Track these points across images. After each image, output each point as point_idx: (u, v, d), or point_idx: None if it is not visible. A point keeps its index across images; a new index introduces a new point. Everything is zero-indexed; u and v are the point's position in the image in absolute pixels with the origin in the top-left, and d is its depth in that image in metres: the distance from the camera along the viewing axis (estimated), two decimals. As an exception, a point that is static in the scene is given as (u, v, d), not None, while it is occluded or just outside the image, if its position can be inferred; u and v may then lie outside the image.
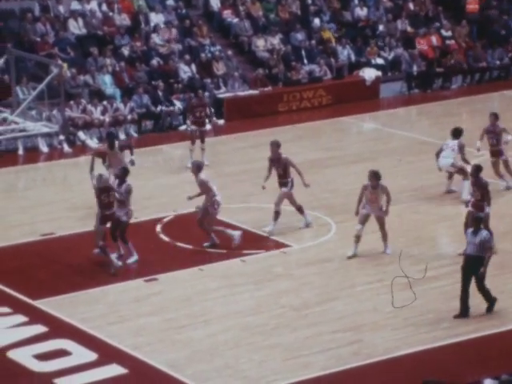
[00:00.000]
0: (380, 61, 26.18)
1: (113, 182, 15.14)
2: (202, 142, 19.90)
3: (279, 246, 15.76)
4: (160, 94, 23.28)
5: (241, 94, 24.23)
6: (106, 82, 23.38)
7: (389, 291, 13.88)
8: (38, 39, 23.59)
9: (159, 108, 23.03)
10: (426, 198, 17.74)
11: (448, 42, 26.95)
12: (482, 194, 14.76)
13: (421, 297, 13.67)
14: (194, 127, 19.92)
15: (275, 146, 16.45)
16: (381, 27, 27.13)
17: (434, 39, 26.87)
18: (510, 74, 26.53)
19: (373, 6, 27.63)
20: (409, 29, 27.27)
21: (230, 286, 14.32)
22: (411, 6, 28.00)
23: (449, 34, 27.26)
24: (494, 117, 17.88)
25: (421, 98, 25.18)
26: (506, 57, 26.54)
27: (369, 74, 25.53)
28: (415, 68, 25.87)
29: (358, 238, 15.13)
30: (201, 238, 16.01)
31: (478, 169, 14.88)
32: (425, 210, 17.11)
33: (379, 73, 25.65)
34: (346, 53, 26.08)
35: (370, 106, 24.47)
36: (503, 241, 15.54)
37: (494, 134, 17.79)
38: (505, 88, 25.35)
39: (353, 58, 26.11)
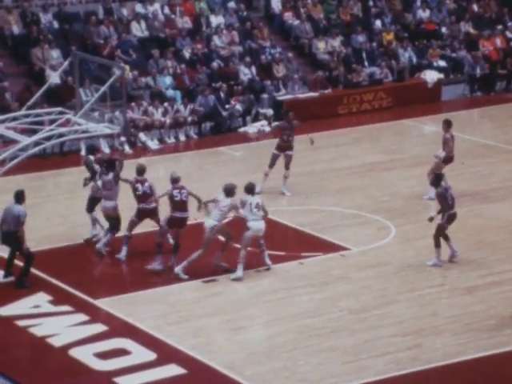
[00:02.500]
0: (442, 63, 25.91)
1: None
2: (287, 168, 18.10)
3: (338, 248, 15.69)
4: (222, 95, 23.37)
5: (301, 96, 24.19)
6: (167, 84, 23.56)
7: (450, 296, 13.73)
8: (101, 41, 23.90)
9: (224, 110, 23.05)
10: (488, 201, 17.49)
11: (512, 43, 26.59)
12: None
13: (482, 302, 13.50)
14: (276, 152, 18.20)
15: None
16: (443, 29, 26.85)
17: (499, 41, 26.50)
18: None
19: (435, 8, 27.35)
20: (472, 31, 26.93)
21: (288, 288, 14.30)
22: (475, 7, 27.65)
23: (514, 35, 26.88)
24: None
25: (483, 101, 24.85)
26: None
27: (430, 76, 25.28)
28: (478, 70, 25.54)
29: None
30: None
31: None
32: (487, 215, 16.87)
33: (441, 75, 25.39)
34: (407, 55, 25.87)
35: (432, 108, 24.22)
36: None
37: None
38: None
39: (414, 60, 25.89)
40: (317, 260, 15.30)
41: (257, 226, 14.53)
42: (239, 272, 14.52)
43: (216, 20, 25.64)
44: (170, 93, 23.37)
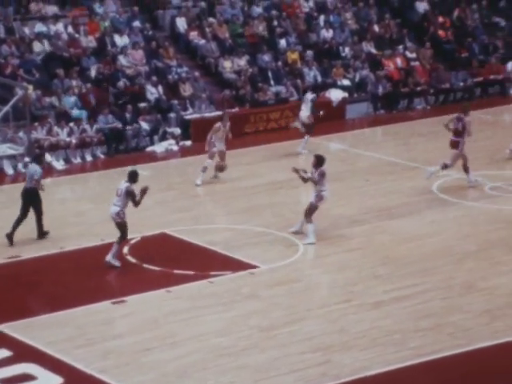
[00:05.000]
0: (346, 82, 26.37)
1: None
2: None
3: (247, 266, 15.74)
4: (127, 115, 23.25)
5: (208, 115, 24.27)
6: (73, 104, 23.30)
7: (357, 311, 13.91)
8: (2, 61, 23.48)
9: (127, 129, 22.98)
10: (393, 218, 17.82)
11: (413, 63, 27.23)
12: None
13: (388, 317, 13.71)
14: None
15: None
16: (346, 49, 27.35)
17: (399, 61, 27.13)
18: (473, 95, 26.83)
19: (338, 28, 27.85)
20: (374, 51, 27.52)
21: (198, 307, 14.26)
22: (376, 28, 28.26)
23: (413, 55, 27.54)
24: None
25: (386, 119, 25.37)
26: (469, 79, 26.84)
27: (335, 95, 25.69)
28: (381, 89, 26.08)
29: None
30: (168, 259, 15.95)
31: None
32: (391, 231, 17.19)
33: (345, 94, 25.82)
34: (312, 74, 26.24)
35: (337, 126, 24.61)
36: (469, 261, 15.67)
37: None
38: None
39: (319, 79, 26.28)
40: (226, 279, 15.30)
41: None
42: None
43: (121, 39, 25.51)
44: (76, 112, 23.11)
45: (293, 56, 26.55)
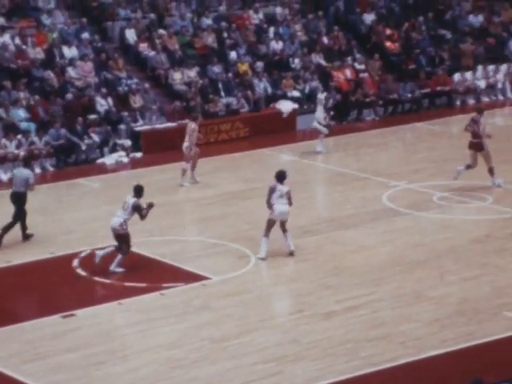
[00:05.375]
0: (296, 93, 26.51)
1: None
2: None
3: (199, 278, 15.70)
4: (78, 127, 23.09)
5: (158, 126, 24.21)
6: (21, 116, 23.06)
7: (309, 322, 13.95)
8: None
9: (76, 141, 22.83)
10: (343, 228, 17.93)
11: (361, 75, 27.48)
12: None
13: (340, 326, 13.78)
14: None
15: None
16: (296, 60, 27.51)
17: (349, 72, 27.37)
18: (421, 106, 27.16)
19: (288, 40, 28.00)
20: (323, 62, 27.72)
21: (150, 319, 14.18)
22: (325, 39, 28.48)
23: (362, 67, 27.80)
24: None
25: (337, 130, 25.52)
26: (417, 90, 27.17)
27: (285, 106, 25.81)
28: (331, 100, 26.25)
29: None
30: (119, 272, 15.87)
31: None
32: (342, 241, 17.29)
33: (295, 105, 25.96)
34: (262, 86, 26.33)
35: (287, 137, 24.72)
36: (418, 270, 15.82)
37: None
38: (416, 120, 25.91)
39: (269, 90, 26.38)
40: (178, 290, 15.25)
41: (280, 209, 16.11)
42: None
43: (70, 51, 25.35)
44: (24, 125, 22.88)
45: (243, 67, 26.63)
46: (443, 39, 29.51)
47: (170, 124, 24.38)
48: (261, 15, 28.74)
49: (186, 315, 14.33)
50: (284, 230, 16.35)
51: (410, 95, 27.05)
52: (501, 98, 28.04)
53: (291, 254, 16.35)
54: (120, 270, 15.84)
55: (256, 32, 28.05)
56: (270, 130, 24.91)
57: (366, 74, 27.44)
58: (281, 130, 25.02)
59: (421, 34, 29.30)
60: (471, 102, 27.59)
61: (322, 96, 23.50)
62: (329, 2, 30.01)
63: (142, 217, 15.91)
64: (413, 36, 29.10)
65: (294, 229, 17.74)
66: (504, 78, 28.03)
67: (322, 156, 23.15)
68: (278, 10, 29.11)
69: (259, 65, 26.77)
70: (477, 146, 19.64)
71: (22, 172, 17.30)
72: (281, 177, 16.51)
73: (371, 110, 26.68)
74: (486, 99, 27.78)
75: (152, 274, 15.90)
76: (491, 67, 28.18)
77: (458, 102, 27.51)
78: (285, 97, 26.19)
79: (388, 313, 14.18)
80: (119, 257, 15.81)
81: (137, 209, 15.74)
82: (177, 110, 24.67)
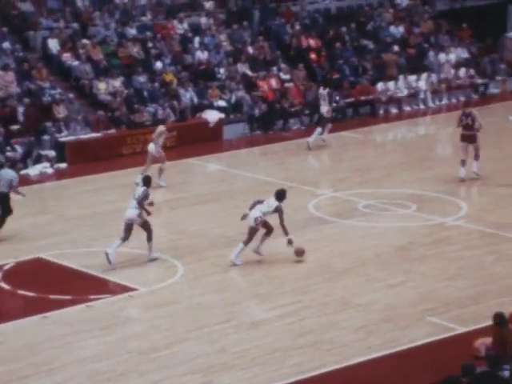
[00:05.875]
0: (222, 103, 26.56)
1: None
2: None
3: (126, 289, 15.58)
4: (0, 138, 22.72)
5: (83, 137, 23.98)
6: None
7: (237, 331, 13.97)
8: None
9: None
10: (272, 236, 17.98)
11: (287, 84, 27.69)
12: None
13: (268, 335, 13.83)
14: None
15: None
16: (222, 70, 27.58)
17: (274, 82, 27.54)
18: (345, 115, 27.48)
19: (213, 50, 28.05)
20: (249, 72, 27.85)
21: (76, 332, 14.01)
22: (250, 49, 28.62)
23: (287, 77, 28.01)
24: None
25: (263, 139, 25.68)
26: (341, 99, 27.49)
27: (211, 116, 25.84)
28: (257, 110, 26.40)
29: None
30: (44, 284, 15.63)
31: None
32: (270, 249, 17.35)
33: (222, 115, 26.01)
34: (188, 95, 26.32)
35: (214, 147, 24.74)
36: (344, 277, 15.98)
37: None
38: (341, 129, 26.20)
39: (195, 100, 26.38)
40: (104, 302, 15.11)
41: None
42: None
43: (-9, 61, 24.97)
44: None
45: (168, 77, 26.57)
46: (366, 49, 29.95)
47: (94, 134, 24.18)
48: (185, 25, 28.74)
49: (113, 327, 14.20)
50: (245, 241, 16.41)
51: (334, 104, 27.34)
52: (422, 107, 28.55)
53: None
54: (157, 255, 16.54)
55: (181, 42, 28.04)
56: (197, 139, 24.90)
57: (291, 84, 27.66)
58: (207, 140, 25.04)
59: (344, 44, 29.69)
60: (394, 111, 28.04)
61: (324, 92, 24.52)
62: (253, 13, 30.21)
63: (150, 204, 16.66)
64: (336, 46, 29.46)
65: (221, 238, 17.78)
66: (425, 88, 28.57)
67: (250, 166, 23.22)
68: (203, 20, 29.16)
69: (185, 74, 26.75)
70: (470, 138, 20.45)
71: (8, 173, 17.69)
72: (279, 194, 16.60)
73: (297, 120, 26.89)
74: (407, 108, 28.27)
75: (78, 286, 15.72)
76: (413, 77, 28.69)
77: (381, 111, 27.93)
78: (211, 106, 26.22)
79: (315, 320, 14.29)
80: (150, 244, 16.49)
81: (147, 197, 16.52)
82: (101, 121, 24.47)
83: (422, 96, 28.60)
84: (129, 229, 16.36)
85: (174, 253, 17.11)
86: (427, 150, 24.19)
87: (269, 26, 30.05)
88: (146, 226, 16.51)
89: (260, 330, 14.01)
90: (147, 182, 16.84)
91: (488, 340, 12.53)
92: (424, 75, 28.83)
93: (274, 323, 14.19)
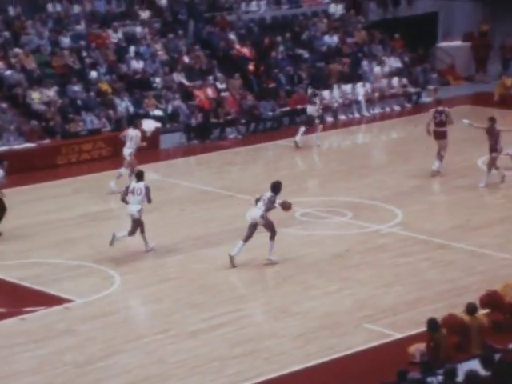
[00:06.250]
0: (158, 112, 26.44)
1: None
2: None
3: (61, 301, 15.37)
4: None
5: (17, 147, 23.62)
6: None
7: (175, 341, 13.88)
8: None
9: None
10: (209, 246, 17.96)
11: (223, 93, 27.71)
12: None
13: (206, 345, 13.77)
14: None
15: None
16: (158, 80, 27.46)
17: (210, 91, 27.53)
18: (281, 124, 27.61)
19: (149, 59, 27.93)
20: (185, 81, 27.79)
21: (10, 345, 13.76)
22: (186, 59, 28.57)
23: (223, 86, 28.04)
24: (492, 120, 20.73)
25: (200, 149, 25.63)
26: (277, 108, 27.61)
27: (148, 125, 25.67)
28: (193, 119, 26.35)
29: None
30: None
31: None
32: (208, 259, 17.32)
33: (158, 124, 25.89)
34: (124, 105, 26.14)
35: (151, 156, 24.58)
36: (283, 285, 16.01)
37: (492, 135, 20.58)
38: (278, 138, 26.30)
39: (131, 109, 26.21)
40: (39, 314, 14.87)
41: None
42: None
43: None
44: None
45: (104, 86, 26.36)
46: (301, 58, 30.15)
47: (28, 144, 23.83)
48: (120, 34, 28.56)
49: (47, 340, 13.98)
50: (246, 237, 16.77)
51: (270, 113, 27.46)
52: (357, 115, 28.83)
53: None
54: (151, 246, 17.41)
55: (116, 51, 27.86)
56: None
57: (227, 93, 27.69)
58: (144, 149, 24.87)
59: (279, 53, 29.84)
60: (329, 119, 28.25)
61: (312, 92, 25.86)
62: (189, 22, 30.18)
63: (150, 200, 17.50)
64: (272, 55, 29.60)
65: (158, 248, 17.68)
66: (360, 97, 28.86)
67: (187, 175, 23.16)
68: (138, 29, 29.02)
69: (120, 84, 26.58)
70: (441, 134, 21.60)
71: None
72: (274, 187, 16.98)
73: (233, 129, 26.92)
74: (343, 117, 28.51)
75: (11, 299, 15.47)
76: (347, 86, 28.96)
77: (317, 120, 28.10)
78: (147, 116, 26.08)
79: (253, 329, 14.28)
80: (143, 235, 17.32)
81: (149, 190, 17.42)
82: (35, 131, 24.15)
83: (356, 105, 28.87)
84: (136, 224, 17.24)
85: (110, 263, 16.94)
86: (363, 158, 24.42)
87: (204, 35, 30.05)
88: (138, 223, 17.35)
89: (198, 339, 13.95)
90: (142, 176, 17.64)
91: (422, 345, 12.70)
92: (359, 84, 29.12)
93: (212, 332, 14.15)
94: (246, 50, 29.58)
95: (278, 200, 16.82)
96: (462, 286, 15.43)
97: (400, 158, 24.23)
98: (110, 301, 15.43)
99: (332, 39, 31.26)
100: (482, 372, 9.55)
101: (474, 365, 10.10)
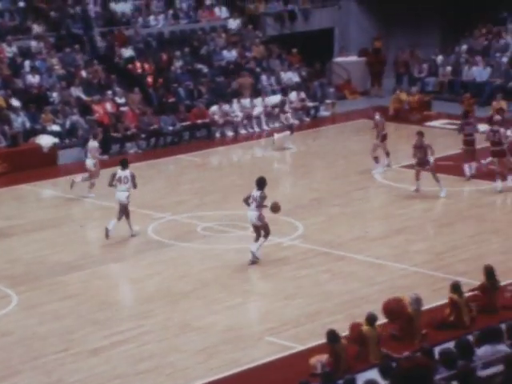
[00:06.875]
0: (56, 128, 26.07)
1: None
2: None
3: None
4: None
5: None
6: None
7: (75, 360, 13.67)
8: None
9: None
10: (110, 262, 17.79)
11: (122, 108, 27.53)
12: None
13: (108, 362, 13.62)
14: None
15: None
16: (55, 94, 27.09)
17: (109, 106, 27.32)
18: (182, 139, 27.60)
19: (45, 73, 27.53)
20: (83, 96, 27.49)
21: None
22: (84, 73, 28.28)
23: (122, 100, 27.86)
24: (421, 135, 21.27)
25: (99, 164, 25.33)
26: (177, 123, 27.60)
27: (45, 141, 25.31)
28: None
29: None
30: None
31: None
32: (107, 275, 17.14)
33: (56, 139, 25.52)
34: (20, 120, 25.67)
35: (49, 172, 24.22)
36: (185, 301, 15.98)
37: (421, 148, 21.14)
38: (178, 153, 26.28)
39: (27, 125, 25.77)
40: None
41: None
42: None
43: None
44: None
45: (-1, 102, 25.87)
46: (200, 73, 30.23)
47: None
48: (14, 48, 28.09)
49: None
50: (257, 236, 17.21)
51: (171, 128, 27.43)
52: (257, 129, 29.06)
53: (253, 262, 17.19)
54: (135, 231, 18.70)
55: (10, 65, 27.37)
56: (30, 165, 24.30)
57: (126, 108, 27.52)
58: (41, 165, 24.48)
59: (179, 68, 29.85)
60: (230, 133, 28.40)
61: (280, 99, 27.54)
62: (86, 36, 29.91)
63: (136, 186, 18.96)
64: (171, 70, 29.57)
65: (58, 265, 17.42)
66: (259, 111, 29.11)
67: (85, 191, 22.88)
68: (33, 43, 28.59)
69: (16, 99, 26.10)
70: (384, 137, 23.33)
71: None
72: (260, 183, 17.42)
73: (133, 143, 26.75)
74: (243, 131, 28.70)
75: None
76: (246, 100, 29.17)
77: (218, 134, 28.24)
78: (44, 131, 25.69)
79: (156, 345, 14.20)
80: (129, 221, 18.71)
81: (135, 177, 18.90)
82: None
83: (256, 119, 29.10)
84: (124, 209, 18.71)
85: (7, 282, 16.59)
86: (263, 171, 24.53)
87: (102, 49, 29.82)
88: (126, 209, 18.76)
89: (100, 357, 13.79)
90: (127, 164, 19.09)
91: (323, 357, 12.86)
92: (258, 99, 29.37)
93: (113, 350, 14.00)
94: (144, 65, 29.49)
95: (269, 202, 17.35)
96: (361, 296, 15.69)
97: (299, 171, 24.53)
98: (6, 320, 15.10)
99: (231, 54, 31.46)
100: (381, 381, 9.73)
101: (373, 374, 10.28)
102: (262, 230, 17.36)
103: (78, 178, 21.96)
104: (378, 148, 23.39)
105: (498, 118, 23.56)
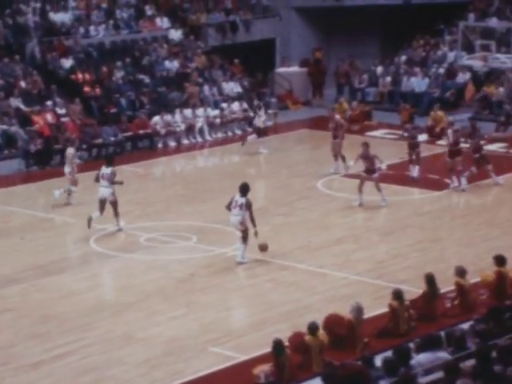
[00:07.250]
0: (-5, 138, 25.74)
1: None
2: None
3: None
4: None
5: None
6: None
7: (15, 374, 13.46)
8: None
9: None
10: (50, 274, 17.58)
11: (63, 119, 27.27)
12: None
13: (49, 376, 13.44)
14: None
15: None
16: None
17: (49, 116, 27.03)
18: (124, 149, 27.44)
19: (-19, 83, 27.19)
20: (23, 107, 27.17)
21: None
22: (23, 83, 27.97)
23: (63, 111, 27.60)
24: (366, 145, 21.59)
25: (40, 175, 25.07)
26: (119, 133, 27.43)
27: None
28: (32, 145, 25.78)
29: None
30: None
31: None
32: (49, 288, 16.93)
33: (-5, 151, 25.19)
34: (-42, 131, 25.30)
35: (-13, 184, 23.87)
36: (127, 312, 15.85)
37: (367, 158, 21.48)
38: (121, 163, 26.04)
39: (-37, 137, 25.41)
40: None
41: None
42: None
43: None
44: None
45: None
46: (142, 83, 30.11)
47: None
48: (-48, 58, 27.69)
49: None
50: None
51: (113, 138, 27.24)
52: (200, 140, 29.03)
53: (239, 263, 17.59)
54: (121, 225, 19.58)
55: None
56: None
57: (67, 118, 27.27)
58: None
59: (120, 78, 29.69)
60: (172, 144, 28.32)
61: (256, 104, 27.93)
62: (26, 46, 29.59)
63: (113, 183, 19.56)
64: (112, 80, 29.40)
65: (-3, 278, 17.14)
66: (202, 121, 29.09)
67: (27, 202, 22.59)
68: (-29, 53, 28.23)
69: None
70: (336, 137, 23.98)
71: None
72: (243, 189, 17.81)
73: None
74: (185, 141, 28.64)
75: None
76: (189, 110, 29.14)
77: (160, 145, 28.13)
78: (-17, 142, 25.34)
79: (98, 357, 14.05)
80: (118, 217, 19.50)
81: (115, 174, 19.54)
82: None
83: (198, 129, 29.07)
84: (103, 205, 19.40)
85: None
86: (206, 182, 24.58)
87: (42, 59, 29.53)
88: (115, 204, 19.44)
89: (40, 371, 13.60)
90: (112, 161, 19.94)
91: (267, 367, 12.86)
92: (201, 109, 29.36)
93: (55, 363, 13.82)
94: (85, 75, 29.27)
95: (258, 240, 17.59)
96: (304, 306, 15.75)
97: (242, 181, 24.51)
98: None
99: (172, 64, 31.40)
100: (325, 389, 9.77)
101: (317, 383, 10.32)
102: (242, 234, 17.67)
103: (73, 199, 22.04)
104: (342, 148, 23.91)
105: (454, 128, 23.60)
